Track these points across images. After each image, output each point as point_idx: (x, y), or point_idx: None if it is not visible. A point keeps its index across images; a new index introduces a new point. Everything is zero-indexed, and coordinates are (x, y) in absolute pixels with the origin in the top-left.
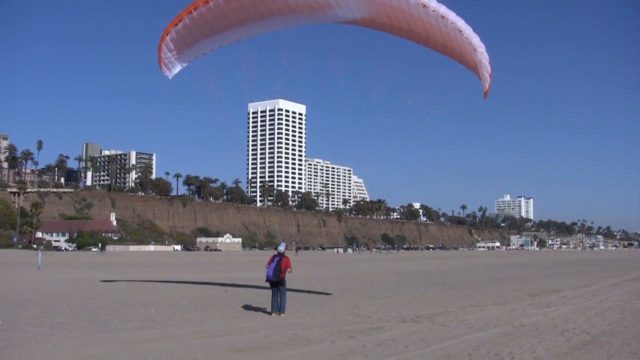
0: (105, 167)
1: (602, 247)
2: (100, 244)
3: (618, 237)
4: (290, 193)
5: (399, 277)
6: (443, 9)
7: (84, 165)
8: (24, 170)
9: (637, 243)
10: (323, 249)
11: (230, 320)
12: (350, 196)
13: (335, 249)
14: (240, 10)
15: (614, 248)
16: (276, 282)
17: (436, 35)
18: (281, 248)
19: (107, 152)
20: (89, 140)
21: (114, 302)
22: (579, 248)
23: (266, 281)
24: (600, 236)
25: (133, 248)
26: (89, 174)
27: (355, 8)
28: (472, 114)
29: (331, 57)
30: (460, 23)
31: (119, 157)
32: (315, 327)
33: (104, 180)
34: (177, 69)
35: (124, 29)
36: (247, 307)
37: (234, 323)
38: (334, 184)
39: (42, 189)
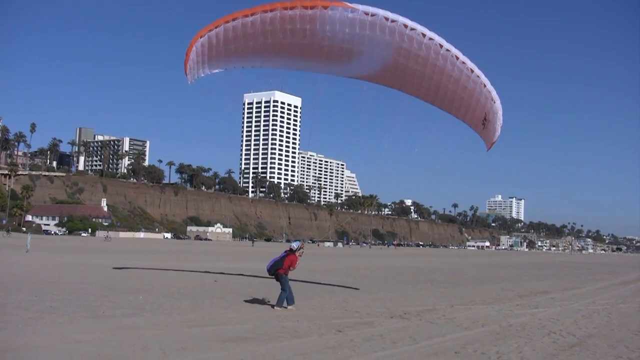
0: (98, 152)
1: (590, 251)
2: (107, 232)
3: (607, 241)
4: (282, 185)
5: (388, 272)
6: (470, 63)
7: (76, 149)
8: (16, 152)
9: (625, 247)
10: (313, 242)
11: (219, 310)
12: (342, 190)
13: (317, 242)
14: (272, 35)
15: (602, 252)
16: (274, 276)
17: (449, 89)
18: (294, 245)
19: (100, 137)
20: (83, 125)
21: (103, 288)
22: (567, 250)
23: (269, 274)
24: (589, 239)
25: (123, 234)
26: (82, 158)
27: (377, 57)
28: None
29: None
30: (484, 77)
31: (112, 142)
32: (303, 320)
33: (96, 166)
34: (197, 75)
35: (121, 16)
36: (236, 298)
37: (222, 313)
38: (326, 178)
39: (33, 172)
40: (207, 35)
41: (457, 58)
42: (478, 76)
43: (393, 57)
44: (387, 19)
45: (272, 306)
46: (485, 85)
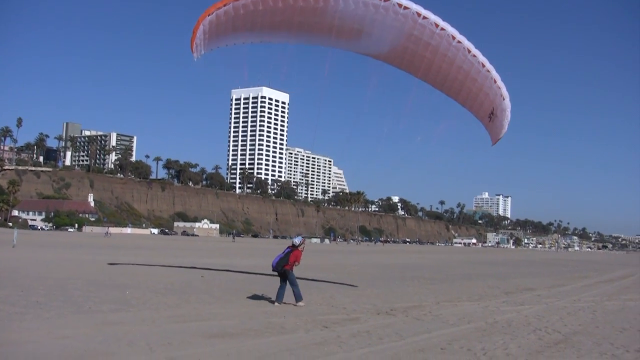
0: (85, 147)
1: (577, 248)
2: (108, 230)
3: (593, 239)
4: (269, 181)
5: (374, 269)
6: (482, 57)
7: (63, 144)
8: (2, 147)
9: (611, 245)
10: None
11: (205, 305)
12: (329, 187)
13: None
14: (282, 12)
15: (588, 249)
16: (280, 273)
17: (458, 79)
18: (296, 241)
19: (87, 133)
20: (70, 120)
21: (89, 283)
22: (554, 248)
23: (273, 270)
24: (575, 237)
25: (110, 230)
26: (69, 153)
27: (387, 40)
28: (453, 113)
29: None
30: (494, 72)
31: (99, 137)
32: (290, 315)
33: (83, 161)
34: (203, 52)
35: (107, 11)
36: (222, 293)
37: (209, 309)
38: (314, 174)
39: (20, 167)
40: (216, 14)
41: (469, 51)
42: (488, 71)
43: (403, 42)
44: (400, 5)
45: (294, 304)
46: (495, 81)
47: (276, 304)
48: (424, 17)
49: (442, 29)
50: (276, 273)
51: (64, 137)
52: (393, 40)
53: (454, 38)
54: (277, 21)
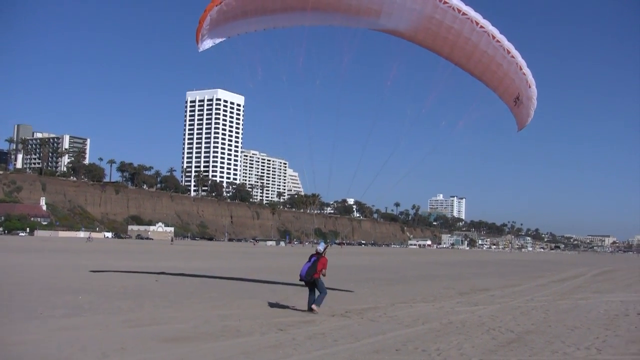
0: (37, 150)
1: (530, 249)
2: (90, 235)
3: (546, 240)
4: (224, 184)
5: (330, 271)
6: (507, 43)
7: (14, 147)
8: None
9: (563, 246)
10: (256, 240)
11: (160, 309)
12: (285, 189)
13: (254, 241)
14: None
15: (541, 250)
16: (308, 283)
17: (482, 62)
18: (320, 248)
19: (39, 135)
20: (21, 122)
21: (41, 288)
22: (507, 249)
23: (300, 280)
24: (528, 238)
25: (63, 234)
26: (20, 156)
27: (407, 21)
28: (408, 114)
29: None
30: (520, 58)
31: (51, 140)
32: (245, 318)
33: (35, 164)
34: (209, 44)
35: (60, 11)
36: (177, 297)
37: (164, 313)
38: (269, 177)
39: None
40: (224, 2)
41: (493, 37)
42: (513, 57)
43: (423, 24)
44: None
45: (312, 310)
46: (521, 68)
47: (315, 308)
48: (445, 2)
49: (464, 13)
50: (304, 284)
51: (14, 139)
52: (414, 21)
53: (477, 23)
54: (290, 3)
